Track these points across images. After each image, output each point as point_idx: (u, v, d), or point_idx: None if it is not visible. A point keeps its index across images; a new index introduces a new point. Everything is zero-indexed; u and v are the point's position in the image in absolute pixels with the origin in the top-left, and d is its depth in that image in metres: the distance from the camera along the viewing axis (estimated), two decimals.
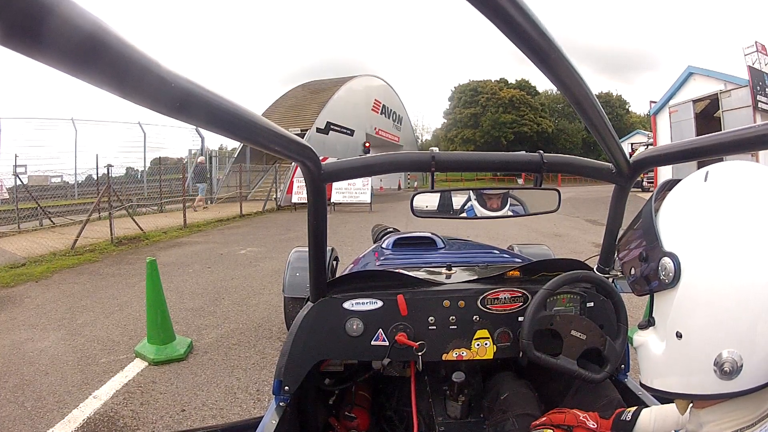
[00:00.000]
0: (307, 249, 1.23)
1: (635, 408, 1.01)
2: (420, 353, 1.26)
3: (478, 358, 1.30)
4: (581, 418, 1.06)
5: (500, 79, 54.00)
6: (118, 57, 0.38)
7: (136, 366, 3.22)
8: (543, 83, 54.41)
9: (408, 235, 2.56)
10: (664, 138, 19.24)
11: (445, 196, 2.05)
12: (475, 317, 1.30)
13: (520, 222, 9.57)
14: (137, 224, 8.92)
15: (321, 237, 1.19)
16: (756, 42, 15.77)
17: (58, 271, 6.14)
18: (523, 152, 1.25)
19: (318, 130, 20.44)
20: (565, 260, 1.45)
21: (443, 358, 1.29)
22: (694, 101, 18.06)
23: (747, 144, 0.81)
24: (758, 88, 15.42)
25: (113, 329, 3.97)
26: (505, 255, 2.28)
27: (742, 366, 0.55)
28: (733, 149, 0.85)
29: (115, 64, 0.38)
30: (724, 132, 0.86)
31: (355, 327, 1.27)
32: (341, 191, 14.38)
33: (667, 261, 0.61)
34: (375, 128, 26.91)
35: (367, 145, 22.44)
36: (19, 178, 10.39)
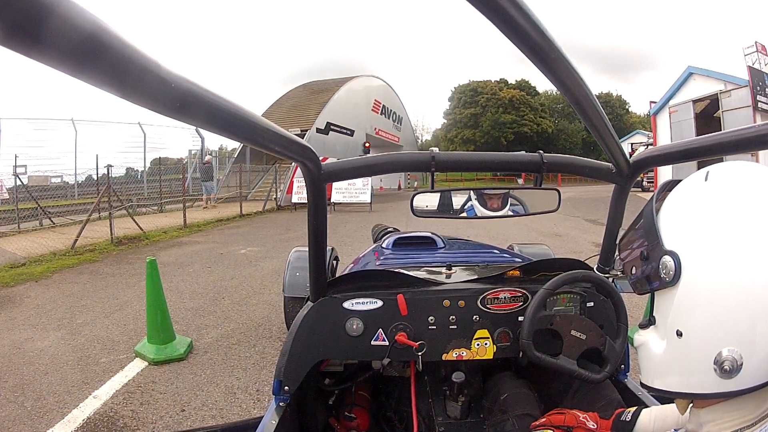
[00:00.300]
0: (307, 249, 1.23)
1: (635, 408, 1.01)
2: (420, 353, 1.26)
3: (478, 358, 1.30)
4: (581, 418, 1.06)
5: (500, 79, 54.08)
6: (118, 57, 0.38)
7: (136, 366, 3.22)
8: (543, 83, 54.41)
9: (408, 234, 2.56)
10: (664, 138, 19.24)
11: (445, 196, 2.04)
12: (475, 317, 1.30)
13: (520, 222, 9.57)
14: (137, 224, 8.92)
15: (321, 237, 1.19)
16: (756, 42, 15.76)
17: (58, 271, 6.14)
18: (523, 152, 1.25)
19: (318, 130, 20.43)
20: (565, 260, 1.45)
21: (443, 358, 1.29)
22: (694, 101, 18.06)
23: (747, 144, 0.81)
24: (758, 88, 15.42)
25: (113, 329, 3.97)
26: (505, 255, 2.28)
27: (742, 365, 0.56)
28: (733, 149, 0.85)
29: (115, 64, 0.38)
30: (724, 132, 0.86)
31: (355, 327, 1.27)
32: (341, 191, 14.39)
33: (667, 260, 0.62)
34: (375, 128, 26.90)
35: (367, 145, 22.44)
36: (19, 179, 10.39)
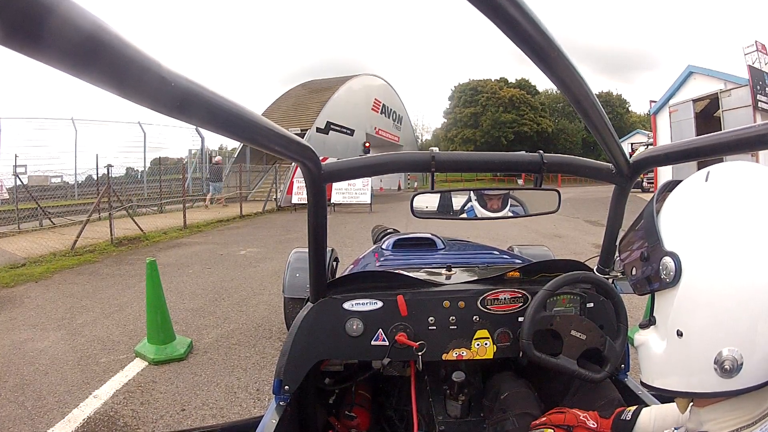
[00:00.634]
0: (307, 250, 1.23)
1: (635, 407, 1.01)
2: (420, 353, 1.26)
3: (478, 357, 1.30)
4: (581, 417, 1.06)
5: (500, 78, 54.04)
6: (118, 57, 0.38)
7: (136, 366, 3.22)
8: (543, 83, 54.45)
9: (408, 235, 2.56)
10: (664, 138, 19.23)
11: (445, 197, 2.04)
12: (475, 317, 1.30)
13: (520, 223, 9.57)
14: (137, 225, 8.92)
15: (321, 237, 1.19)
16: (756, 41, 15.75)
17: (58, 272, 6.14)
18: (523, 152, 1.25)
19: (318, 129, 20.43)
20: (565, 261, 1.45)
21: (443, 357, 1.30)
22: (694, 101, 18.05)
23: (747, 144, 0.81)
24: (758, 87, 15.41)
25: (113, 329, 3.97)
26: (505, 256, 2.28)
27: (742, 364, 0.56)
28: (733, 149, 0.85)
29: (115, 64, 0.38)
30: (724, 132, 0.86)
31: (355, 327, 1.27)
32: (341, 192, 14.38)
33: (668, 260, 0.62)
34: (375, 128, 26.90)
35: (367, 145, 22.43)
36: (19, 179, 10.39)
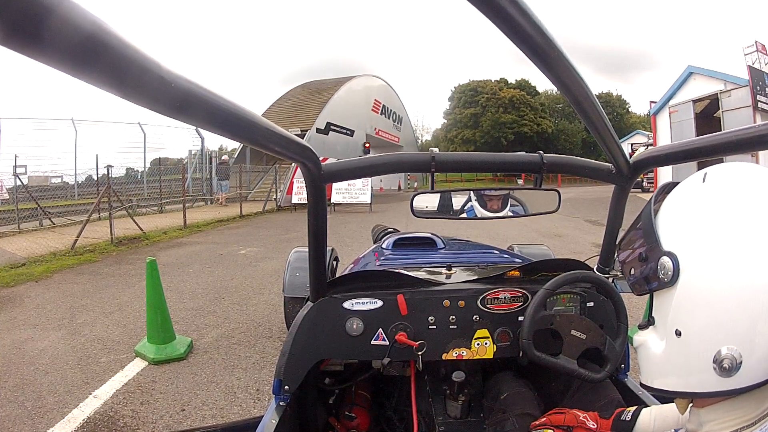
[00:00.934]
0: (307, 249, 1.23)
1: (635, 408, 1.01)
2: (420, 353, 1.26)
3: (478, 357, 1.30)
4: (581, 418, 1.06)
5: (500, 79, 54.03)
6: (118, 57, 0.38)
7: (136, 365, 3.22)
8: (543, 83, 54.49)
9: (408, 235, 2.56)
10: (664, 138, 19.23)
11: (445, 197, 2.04)
12: (475, 317, 1.30)
13: (521, 222, 9.57)
14: (137, 224, 8.92)
15: (321, 237, 1.19)
16: (756, 42, 15.75)
17: (58, 271, 6.15)
18: (523, 153, 1.25)
19: (318, 130, 20.43)
20: (565, 260, 1.45)
21: (443, 357, 1.30)
22: (694, 101, 18.04)
23: (747, 144, 0.81)
24: (758, 88, 15.40)
25: (113, 329, 3.97)
26: (505, 255, 2.28)
27: (741, 363, 0.56)
28: (733, 149, 0.85)
29: (115, 64, 0.38)
30: (724, 132, 0.86)
31: (355, 327, 1.27)
32: (341, 192, 14.38)
33: (666, 260, 0.62)
34: (375, 128, 26.90)
35: (367, 145, 22.44)
36: (19, 179, 10.40)
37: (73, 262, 6.62)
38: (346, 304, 1.28)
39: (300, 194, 14.17)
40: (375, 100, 27.06)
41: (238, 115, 0.61)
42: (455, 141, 51.88)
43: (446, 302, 1.29)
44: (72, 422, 2.52)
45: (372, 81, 27.60)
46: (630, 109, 57.90)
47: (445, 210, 1.99)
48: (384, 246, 2.44)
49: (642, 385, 0.71)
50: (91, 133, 14.85)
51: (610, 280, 1.31)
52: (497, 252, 2.34)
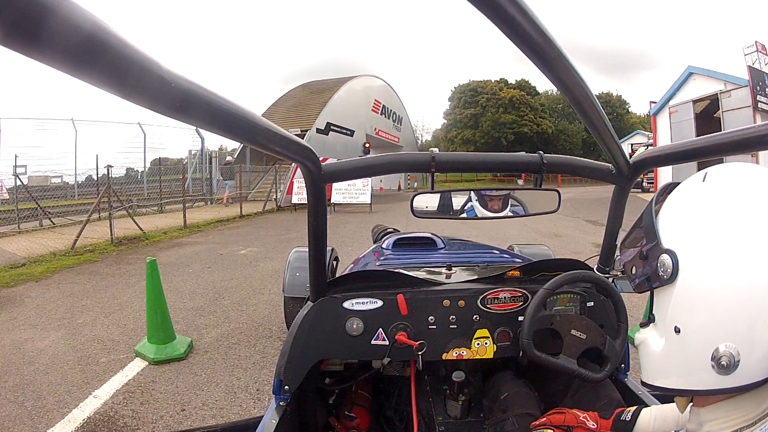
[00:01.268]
0: (307, 249, 1.23)
1: (635, 408, 1.01)
2: (420, 352, 1.26)
3: (478, 357, 1.30)
4: (581, 418, 1.06)
5: (500, 79, 54.05)
6: (118, 57, 0.38)
7: (136, 365, 3.22)
8: (543, 83, 54.45)
9: (408, 235, 2.56)
10: (664, 138, 19.23)
11: (445, 197, 2.05)
12: (475, 317, 1.30)
13: (520, 222, 9.57)
14: (137, 224, 8.92)
15: (321, 237, 1.19)
16: (756, 42, 15.75)
17: (58, 271, 6.14)
18: (523, 153, 1.25)
19: (318, 130, 20.42)
20: (565, 260, 1.45)
21: (443, 357, 1.30)
22: (694, 101, 18.05)
23: (747, 144, 0.81)
24: (758, 88, 15.41)
25: (113, 329, 3.97)
26: (505, 255, 2.28)
27: (739, 361, 0.56)
28: (733, 149, 0.86)
29: (115, 64, 0.38)
30: (724, 132, 0.86)
31: (355, 326, 1.27)
32: (341, 192, 14.38)
33: (665, 258, 0.63)
34: (375, 129, 26.89)
35: (367, 145, 22.43)
36: (19, 179, 10.41)
37: (73, 262, 6.62)
38: (346, 304, 1.28)
39: (300, 194, 14.17)
40: (375, 100, 27.05)
41: (238, 115, 0.61)
42: (455, 141, 51.88)
43: (446, 302, 1.29)
44: (72, 422, 2.51)
45: (372, 81, 27.58)
46: (630, 109, 57.97)
47: (445, 210, 1.99)
48: (384, 246, 2.44)
49: (642, 383, 0.71)
50: (91, 133, 14.86)
51: (610, 280, 1.31)
52: (497, 252, 2.35)
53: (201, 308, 4.53)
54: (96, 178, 11.97)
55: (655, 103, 20.78)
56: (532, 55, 0.58)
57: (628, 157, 1.15)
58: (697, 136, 1.02)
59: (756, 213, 0.57)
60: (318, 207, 1.14)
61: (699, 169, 0.67)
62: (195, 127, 12.26)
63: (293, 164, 13.33)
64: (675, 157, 1.03)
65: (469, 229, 8.52)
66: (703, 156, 0.93)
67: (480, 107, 51.07)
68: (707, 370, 0.58)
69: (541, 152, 1.16)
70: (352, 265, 2.44)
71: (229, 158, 17.13)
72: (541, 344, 1.19)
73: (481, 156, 1.19)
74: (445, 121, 57.05)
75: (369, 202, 14.45)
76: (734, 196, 0.60)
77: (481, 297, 1.30)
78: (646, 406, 1.03)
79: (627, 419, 0.99)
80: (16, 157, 10.63)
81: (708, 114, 18.47)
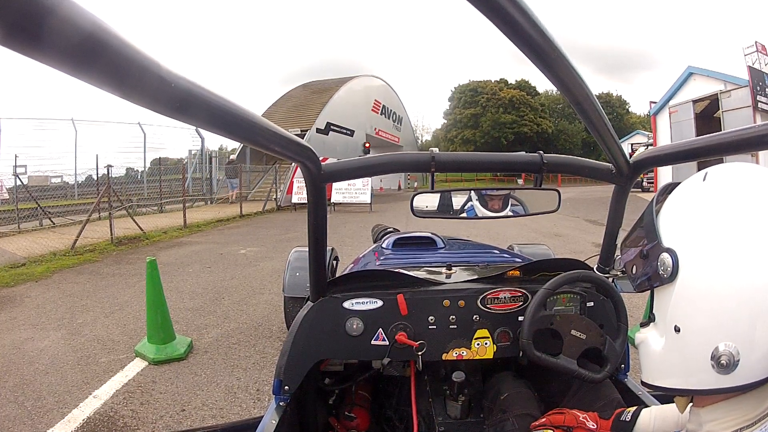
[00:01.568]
0: (307, 249, 1.23)
1: (635, 408, 1.01)
2: (420, 353, 1.26)
3: (478, 357, 1.30)
4: (581, 418, 1.06)
5: (500, 79, 54.05)
6: (118, 57, 0.38)
7: (136, 365, 3.22)
8: (543, 83, 54.42)
9: (408, 235, 2.56)
10: (664, 138, 19.23)
11: (445, 197, 2.05)
12: (475, 317, 1.30)
13: (520, 222, 9.58)
14: (137, 224, 8.92)
15: (321, 237, 1.19)
16: (756, 42, 15.75)
17: (58, 271, 6.14)
18: (523, 153, 1.25)
19: (318, 130, 20.42)
20: (565, 260, 1.45)
21: (443, 357, 1.29)
22: (694, 101, 18.04)
23: (747, 144, 0.81)
24: (758, 88, 15.40)
25: (113, 329, 3.97)
26: (505, 255, 2.28)
27: (738, 361, 0.56)
28: (733, 149, 0.86)
29: (115, 64, 0.38)
30: (724, 132, 0.86)
31: (355, 326, 1.27)
32: (341, 191, 14.38)
33: (665, 256, 0.63)
34: (375, 128, 26.89)
35: (367, 145, 22.44)
36: (19, 179, 10.41)
37: (73, 262, 6.62)
38: (346, 304, 1.28)
39: (300, 194, 14.17)
40: (375, 100, 27.05)
41: (238, 115, 0.61)
42: (455, 141, 51.88)
43: (446, 302, 1.29)
44: (72, 422, 2.51)
45: (372, 81, 27.58)
46: (630, 109, 57.95)
47: (445, 210, 2.00)
48: (384, 245, 2.44)
49: (642, 383, 0.71)
50: (91, 133, 14.87)
51: (610, 279, 1.31)
52: (497, 252, 2.34)
53: (201, 308, 4.53)
54: (96, 178, 11.98)
55: (655, 103, 20.78)
56: (532, 55, 0.58)
57: (628, 156, 1.15)
58: (697, 136, 1.02)
59: (756, 213, 0.57)
60: (318, 207, 1.14)
61: (699, 169, 0.67)
62: (195, 127, 12.29)
63: (293, 164, 13.35)
64: (675, 157, 1.03)
65: (469, 229, 8.52)
66: (703, 156, 0.93)
67: (480, 107, 51.06)
68: (707, 370, 0.58)
69: (541, 152, 1.16)
70: (352, 265, 2.44)
71: (232, 157, 17.42)
72: (541, 344, 1.19)
73: (481, 156, 1.19)
74: (445, 121, 57.08)
75: (369, 201, 14.46)
76: (734, 195, 0.60)
77: (481, 297, 1.30)
78: (646, 406, 1.03)
79: (627, 419, 0.99)
80: (16, 157, 10.65)
81: (708, 114, 18.47)
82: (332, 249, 2.98)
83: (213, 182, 18.14)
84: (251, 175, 18.35)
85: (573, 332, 1.20)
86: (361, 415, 1.49)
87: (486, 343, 1.30)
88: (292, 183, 15.02)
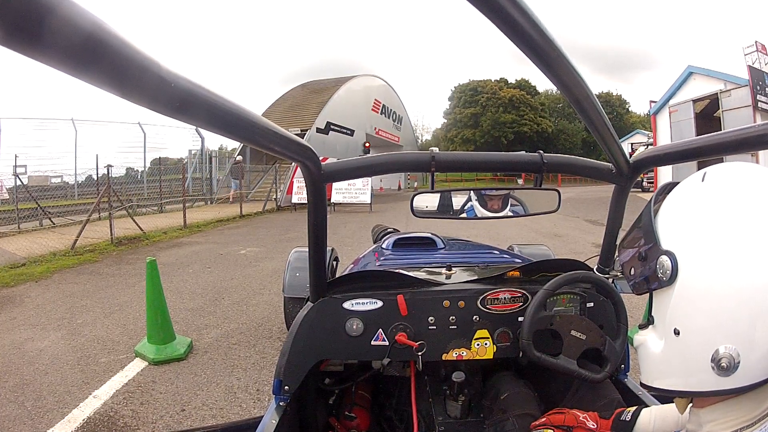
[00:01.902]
0: (307, 249, 1.23)
1: (635, 408, 1.01)
2: (420, 353, 1.26)
3: (478, 357, 1.30)
4: (581, 418, 1.06)
5: (500, 79, 54.00)
6: (118, 57, 0.38)
7: (136, 366, 3.22)
8: (543, 83, 54.51)
9: (408, 235, 2.56)
10: (664, 138, 19.22)
11: (445, 197, 2.05)
12: (475, 317, 1.30)
13: (520, 222, 9.57)
14: (137, 224, 8.92)
15: (321, 237, 1.19)
16: (756, 42, 15.75)
17: (58, 271, 6.14)
18: (523, 152, 1.25)
19: (318, 130, 20.42)
20: (565, 260, 1.45)
21: (443, 358, 1.29)
22: (694, 101, 18.04)
23: (747, 144, 0.81)
24: (758, 87, 15.40)
25: (113, 329, 3.97)
26: (505, 255, 2.28)
27: (739, 363, 0.56)
28: (733, 149, 0.86)
29: (115, 64, 0.38)
30: (724, 132, 0.86)
31: (355, 327, 1.27)
32: (341, 191, 14.38)
33: (664, 259, 0.62)
34: (375, 128, 26.89)
35: (367, 145, 22.44)
36: (19, 179, 10.41)
37: (73, 262, 6.62)
38: (346, 305, 1.28)
39: (300, 194, 14.17)
40: (375, 99, 27.04)
41: (238, 115, 0.61)
42: (455, 141, 51.88)
43: (446, 302, 1.29)
44: (72, 422, 2.52)
45: (372, 81, 27.58)
46: (630, 109, 57.93)
47: (445, 210, 1.99)
48: (384, 246, 2.44)
49: (642, 384, 0.71)
50: (91, 133, 14.88)
51: (610, 280, 1.31)
52: (497, 252, 2.34)
53: (201, 308, 4.53)
54: (96, 178, 11.99)
55: (655, 102, 20.78)
56: (532, 55, 0.58)
57: (628, 156, 1.15)
58: (697, 135, 1.02)
59: (755, 213, 0.57)
60: (318, 207, 1.14)
61: (699, 169, 0.67)
62: (195, 127, 12.31)
63: (293, 164, 13.35)
64: (675, 156, 1.03)
65: (469, 230, 8.52)
66: (703, 155, 0.93)
67: (480, 107, 51.06)
68: (707, 372, 0.58)
69: (541, 152, 1.16)
70: (352, 265, 2.44)
71: (239, 158, 17.57)
72: (541, 345, 1.19)
73: (481, 155, 1.19)
74: (445, 121, 57.07)
75: (369, 201, 14.45)
76: (733, 196, 0.60)
77: (481, 297, 1.30)
78: (646, 406, 1.02)
79: (627, 419, 0.99)
80: (16, 157, 10.65)
81: (708, 113, 18.47)
82: (332, 249, 2.98)
83: (213, 182, 18.15)
84: (251, 175, 18.35)
85: (573, 333, 1.20)
86: (361, 415, 1.49)
87: (486, 344, 1.30)
88: (292, 183, 15.02)
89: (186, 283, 5.53)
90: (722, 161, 0.73)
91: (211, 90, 0.53)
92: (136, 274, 5.82)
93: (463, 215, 2.17)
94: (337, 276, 1.51)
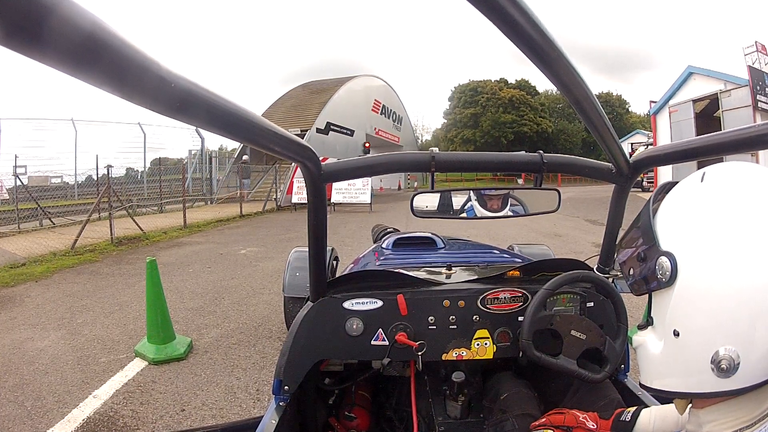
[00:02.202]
0: (307, 249, 1.23)
1: (635, 408, 1.01)
2: (420, 353, 1.26)
3: (477, 357, 1.30)
4: (581, 418, 1.06)
5: (500, 79, 54.03)
6: (118, 57, 0.38)
7: (136, 365, 3.22)
8: (543, 83, 54.50)
9: (408, 235, 2.56)
10: (664, 138, 19.22)
11: (445, 197, 2.05)
12: (475, 317, 1.30)
13: (520, 222, 9.57)
14: (137, 224, 8.92)
15: (321, 237, 1.19)
16: (756, 42, 15.75)
17: (58, 271, 6.14)
18: (523, 152, 1.25)
19: (318, 130, 20.43)
20: (565, 260, 1.45)
21: (443, 357, 1.29)
22: (694, 101, 18.04)
23: (747, 144, 0.81)
24: (758, 88, 15.40)
25: (113, 329, 3.97)
26: (505, 255, 2.27)
27: (739, 364, 0.56)
28: (733, 149, 0.85)
29: (115, 64, 0.38)
30: (724, 132, 0.86)
31: (355, 327, 1.27)
32: (341, 191, 14.38)
33: (664, 260, 0.62)
34: (375, 128, 26.90)
35: (367, 145, 22.44)
36: (19, 179, 10.42)
37: (73, 262, 6.62)
38: (346, 304, 1.28)
39: (300, 194, 14.17)
40: (375, 100, 27.05)
41: (238, 115, 0.60)
42: (455, 141, 51.87)
43: (446, 302, 1.29)
44: (72, 422, 2.52)
45: (372, 81, 27.59)
46: (630, 109, 57.93)
47: (445, 210, 2.00)
48: (384, 246, 2.44)
49: (641, 385, 0.71)
50: (91, 133, 14.90)
51: (610, 280, 1.31)
52: (497, 252, 2.34)
53: (201, 308, 4.53)
54: (96, 178, 11.98)
55: (655, 102, 20.78)
56: (532, 55, 0.58)
57: (628, 156, 1.15)
58: (697, 135, 1.02)
59: (755, 213, 0.57)
60: (318, 207, 1.14)
61: (699, 169, 0.67)
62: (195, 127, 12.30)
63: (293, 164, 13.34)
64: (675, 156, 1.03)
65: (469, 229, 8.52)
66: (703, 155, 0.93)
67: (480, 107, 51.05)
68: (707, 373, 0.58)
69: (541, 152, 1.16)
70: (352, 265, 2.43)
71: (245, 157, 17.91)
72: (541, 345, 1.19)
73: (481, 155, 1.19)
74: (445, 121, 57.08)
75: (369, 201, 14.46)
76: (733, 195, 0.59)
77: (481, 297, 1.30)
78: (646, 406, 1.02)
79: (627, 419, 0.99)
80: (16, 157, 10.65)
81: (708, 113, 18.47)
82: (332, 249, 2.98)
83: (213, 182, 18.16)
84: (251, 175, 18.36)
85: (573, 332, 1.20)
86: (361, 415, 1.49)
87: (486, 344, 1.30)
88: (292, 183, 15.03)
89: (186, 282, 5.53)
90: (722, 161, 0.73)
91: (211, 90, 0.53)
92: (136, 274, 5.82)
93: (463, 215, 2.17)
94: (337, 276, 1.50)
